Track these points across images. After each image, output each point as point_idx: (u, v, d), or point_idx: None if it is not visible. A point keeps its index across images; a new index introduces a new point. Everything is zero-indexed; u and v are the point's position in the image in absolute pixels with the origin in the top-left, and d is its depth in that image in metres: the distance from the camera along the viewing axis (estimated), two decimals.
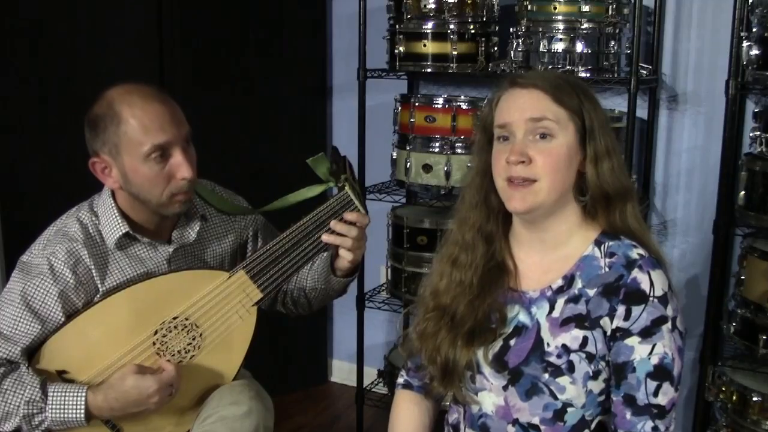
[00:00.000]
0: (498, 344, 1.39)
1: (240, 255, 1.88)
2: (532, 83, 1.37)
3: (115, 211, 1.66)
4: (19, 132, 2.94)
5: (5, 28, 2.85)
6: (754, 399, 2.29)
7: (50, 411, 1.55)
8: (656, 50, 2.62)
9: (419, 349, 1.47)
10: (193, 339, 1.67)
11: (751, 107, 2.45)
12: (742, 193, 2.34)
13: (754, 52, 2.25)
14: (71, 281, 1.61)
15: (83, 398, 1.55)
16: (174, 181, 1.61)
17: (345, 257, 1.75)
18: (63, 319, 1.61)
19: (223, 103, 2.93)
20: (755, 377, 2.35)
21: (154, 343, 1.65)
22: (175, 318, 1.66)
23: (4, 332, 1.59)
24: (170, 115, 1.60)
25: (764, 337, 2.24)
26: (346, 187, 1.74)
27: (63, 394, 1.55)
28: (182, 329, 1.66)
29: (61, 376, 1.61)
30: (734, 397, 2.35)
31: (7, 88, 2.90)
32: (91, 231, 1.66)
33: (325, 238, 1.71)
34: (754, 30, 2.26)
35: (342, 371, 3.48)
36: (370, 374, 3.05)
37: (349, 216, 1.71)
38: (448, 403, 1.57)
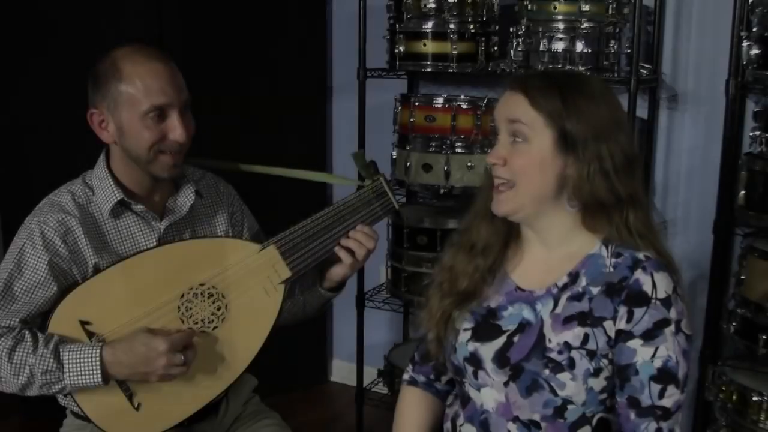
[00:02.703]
0: (501, 340, 1.39)
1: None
2: (517, 85, 1.39)
3: (110, 179, 1.66)
4: (20, 132, 2.94)
5: (6, 29, 2.86)
6: (754, 399, 2.29)
7: (68, 379, 1.54)
8: (656, 50, 2.62)
9: (425, 311, 1.50)
10: (218, 309, 1.65)
11: (751, 107, 2.45)
12: (742, 192, 2.34)
13: (754, 51, 2.25)
14: (61, 250, 1.60)
15: (98, 361, 1.54)
16: (166, 141, 1.61)
17: (343, 265, 1.74)
18: (55, 288, 1.60)
19: (222, 103, 2.93)
20: (755, 377, 2.35)
21: (178, 308, 1.63)
22: (202, 284, 1.64)
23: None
24: (172, 77, 1.61)
25: (764, 337, 2.24)
26: (381, 179, 1.79)
27: (78, 360, 1.54)
28: (208, 297, 1.64)
29: (84, 327, 1.58)
30: (734, 397, 2.35)
31: (8, 88, 2.91)
32: (82, 203, 1.66)
33: (344, 242, 1.72)
34: (754, 30, 2.26)
35: (342, 371, 3.48)
36: (370, 374, 3.05)
37: (365, 229, 1.74)
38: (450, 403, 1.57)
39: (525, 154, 1.35)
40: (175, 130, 1.60)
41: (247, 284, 1.67)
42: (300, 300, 1.86)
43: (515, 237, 1.48)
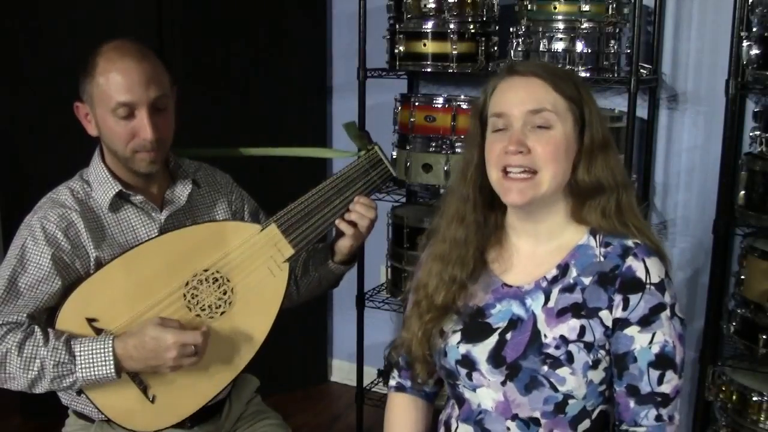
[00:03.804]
0: (494, 339, 1.37)
1: None
2: (530, 71, 1.35)
3: (107, 173, 1.67)
4: (20, 132, 2.94)
5: (5, 27, 2.86)
6: (754, 399, 2.29)
7: (80, 371, 1.54)
8: (656, 50, 2.62)
9: (406, 332, 1.47)
10: (224, 293, 1.65)
11: (751, 107, 2.45)
12: (742, 192, 2.34)
13: (754, 51, 2.25)
14: (64, 244, 1.61)
15: (111, 353, 1.53)
16: (137, 139, 1.61)
17: (348, 237, 1.75)
18: (59, 282, 1.60)
19: (222, 103, 2.94)
20: (755, 377, 2.35)
21: (184, 296, 1.62)
22: (206, 270, 1.64)
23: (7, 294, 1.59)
24: (142, 75, 1.59)
25: (764, 337, 2.25)
26: (376, 148, 1.79)
27: (90, 352, 1.54)
28: (213, 282, 1.64)
29: (91, 324, 1.58)
30: (734, 397, 2.35)
31: (8, 87, 2.91)
32: (82, 198, 1.66)
33: (345, 216, 1.73)
34: (754, 30, 2.26)
35: (342, 371, 3.48)
36: (370, 374, 3.05)
37: (363, 200, 1.74)
38: (443, 403, 1.56)
39: (551, 139, 1.32)
40: (144, 128, 1.60)
41: (251, 266, 1.67)
42: (315, 276, 1.87)
43: (496, 236, 1.45)
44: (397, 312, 2.95)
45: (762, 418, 2.28)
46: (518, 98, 1.34)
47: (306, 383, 3.42)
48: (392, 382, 1.60)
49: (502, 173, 1.34)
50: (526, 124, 1.33)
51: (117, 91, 1.58)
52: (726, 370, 2.41)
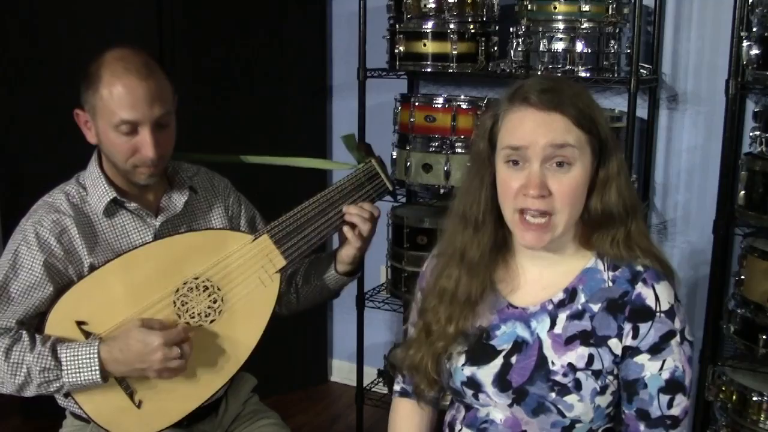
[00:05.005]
0: (499, 362, 1.35)
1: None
2: (548, 106, 1.25)
3: (103, 179, 1.66)
4: (20, 132, 2.94)
5: (5, 27, 2.86)
6: (754, 399, 2.29)
7: (67, 377, 1.54)
8: (656, 50, 2.62)
9: (410, 355, 1.44)
10: (214, 302, 1.65)
11: (751, 107, 2.45)
12: (742, 192, 2.34)
13: (754, 51, 2.25)
14: (57, 250, 1.60)
15: (96, 358, 1.53)
16: (138, 155, 1.61)
17: (353, 245, 1.74)
18: (51, 288, 1.59)
19: (223, 103, 2.94)
20: (755, 377, 2.35)
21: (174, 303, 1.62)
22: (196, 278, 1.64)
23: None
24: (146, 93, 1.57)
25: (764, 337, 2.24)
26: (372, 160, 1.78)
27: (76, 358, 1.54)
28: (203, 290, 1.64)
29: (81, 327, 1.58)
30: (734, 397, 2.35)
31: (8, 88, 2.91)
32: (77, 202, 1.66)
33: (347, 218, 1.71)
34: (754, 30, 2.26)
35: (342, 371, 3.48)
36: (370, 374, 3.05)
37: (366, 206, 1.73)
38: (447, 404, 1.56)
39: (571, 182, 1.26)
40: (146, 146, 1.59)
41: (243, 275, 1.67)
42: (316, 285, 1.86)
43: (503, 256, 1.41)
44: (397, 312, 2.95)
45: (762, 418, 2.28)
46: (537, 131, 1.25)
47: (306, 383, 3.42)
48: (396, 387, 1.59)
49: (518, 214, 1.29)
50: (545, 161, 1.25)
51: (121, 108, 1.57)
52: (726, 370, 2.41)
